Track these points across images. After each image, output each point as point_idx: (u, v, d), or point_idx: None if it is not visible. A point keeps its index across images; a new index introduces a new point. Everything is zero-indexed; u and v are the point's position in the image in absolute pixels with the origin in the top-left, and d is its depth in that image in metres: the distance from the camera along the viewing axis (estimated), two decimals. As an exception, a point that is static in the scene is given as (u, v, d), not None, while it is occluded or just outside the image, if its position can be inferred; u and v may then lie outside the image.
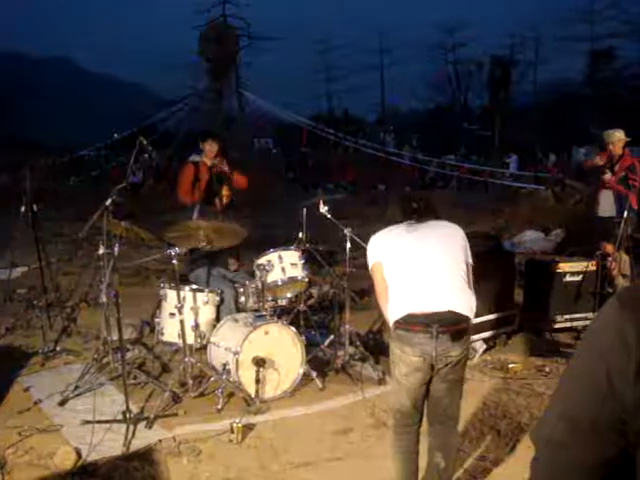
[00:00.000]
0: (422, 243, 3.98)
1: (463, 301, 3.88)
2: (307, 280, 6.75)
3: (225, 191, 7.53)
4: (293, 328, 6.15)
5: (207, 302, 6.26)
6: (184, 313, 5.94)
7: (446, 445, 4.13)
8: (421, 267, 3.90)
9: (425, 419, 4.15)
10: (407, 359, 3.86)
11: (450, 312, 3.81)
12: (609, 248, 8.52)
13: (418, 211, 4.15)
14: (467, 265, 4.09)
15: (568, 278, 7.78)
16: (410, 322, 3.82)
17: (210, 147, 7.72)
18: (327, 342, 6.85)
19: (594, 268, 7.89)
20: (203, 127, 35.84)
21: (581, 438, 1.23)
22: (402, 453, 4.12)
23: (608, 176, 8.99)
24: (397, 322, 3.89)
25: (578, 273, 7.81)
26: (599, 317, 1.29)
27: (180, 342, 6.00)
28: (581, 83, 50.69)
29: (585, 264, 7.87)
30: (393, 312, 3.92)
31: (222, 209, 7.42)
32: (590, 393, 1.22)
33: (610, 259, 8.34)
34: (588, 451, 1.23)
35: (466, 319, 3.88)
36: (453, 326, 3.80)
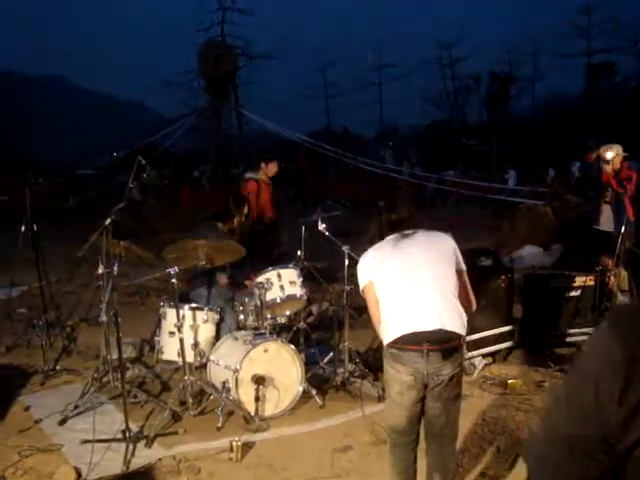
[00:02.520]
0: (410, 261, 3.95)
1: (453, 318, 3.86)
2: (306, 298, 6.77)
3: (245, 210, 7.67)
4: (292, 346, 6.16)
5: (206, 320, 6.28)
6: (183, 332, 5.96)
7: (444, 466, 4.12)
8: (410, 287, 3.88)
9: (422, 438, 4.15)
10: (400, 377, 3.87)
11: (440, 330, 3.79)
12: (609, 263, 8.55)
13: (401, 223, 4.16)
14: (460, 272, 4.08)
15: (567, 293, 7.78)
16: (401, 342, 3.81)
17: (274, 167, 8.96)
18: (327, 359, 6.87)
19: (592, 283, 7.90)
20: (202, 146, 36.01)
21: (568, 456, 1.25)
22: (399, 473, 4.11)
23: (609, 167, 9.04)
24: (389, 343, 3.89)
25: (577, 288, 7.81)
26: (590, 339, 1.32)
27: (180, 360, 6.02)
28: (579, 98, 50.85)
29: (584, 279, 7.87)
30: (385, 334, 3.93)
31: (238, 227, 7.54)
32: (578, 411, 1.24)
33: (610, 274, 8.37)
34: (575, 469, 1.24)
35: (457, 336, 3.86)
36: (443, 344, 3.79)
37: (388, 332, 3.90)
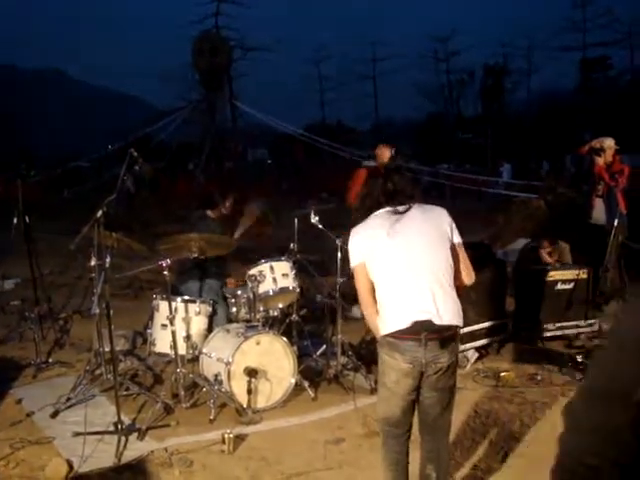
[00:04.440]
0: (407, 247, 3.85)
1: (451, 309, 3.83)
2: (298, 290, 6.75)
3: (229, 203, 7.54)
4: (284, 338, 6.16)
5: (199, 313, 6.26)
6: (176, 324, 5.94)
7: (437, 457, 4.10)
8: (408, 276, 3.83)
9: (416, 429, 4.14)
10: (397, 365, 3.84)
11: (439, 321, 3.77)
12: (544, 242, 8.76)
13: (396, 193, 4.07)
14: (457, 245, 4.02)
15: (559, 286, 7.79)
16: (399, 331, 3.77)
17: (382, 152, 8.19)
18: (319, 352, 6.88)
19: (585, 276, 7.92)
20: (197, 139, 35.96)
21: (600, 406, 1.34)
22: (393, 465, 4.09)
23: (601, 160, 9.07)
24: (386, 334, 3.85)
25: (569, 281, 7.83)
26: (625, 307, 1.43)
27: (172, 353, 6.01)
28: (574, 92, 50.92)
29: (576, 272, 7.88)
30: (383, 324, 3.87)
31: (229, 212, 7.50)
32: (603, 366, 1.33)
33: (544, 252, 8.61)
34: (605, 417, 1.32)
35: (454, 326, 3.85)
36: (441, 333, 3.77)
37: (386, 323, 3.85)
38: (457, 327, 3.88)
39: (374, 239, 3.96)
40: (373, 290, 3.99)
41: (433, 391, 3.93)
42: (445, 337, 3.80)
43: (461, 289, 4.03)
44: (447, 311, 3.80)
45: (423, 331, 3.73)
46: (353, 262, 4.04)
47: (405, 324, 3.76)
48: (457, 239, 4.05)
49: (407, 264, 3.87)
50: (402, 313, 3.80)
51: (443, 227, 4.02)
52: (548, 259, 8.52)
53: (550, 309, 7.71)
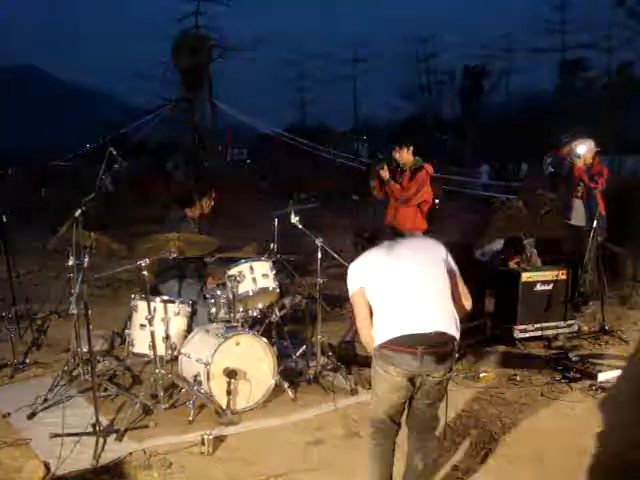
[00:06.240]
0: (403, 264, 3.95)
1: (449, 321, 3.86)
2: (278, 291, 6.73)
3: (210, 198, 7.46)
4: (264, 339, 6.13)
5: (178, 313, 6.22)
6: (155, 324, 5.90)
7: (425, 448, 4.15)
8: (405, 289, 3.87)
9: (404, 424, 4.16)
10: (390, 379, 3.86)
11: (436, 333, 3.78)
12: (513, 256, 9.00)
13: (392, 228, 4.20)
14: (452, 274, 4.09)
15: (539, 287, 7.82)
16: (395, 343, 3.78)
17: (400, 156, 8.15)
18: (299, 352, 6.85)
19: (564, 277, 7.95)
20: (176, 138, 35.85)
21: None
22: (378, 458, 4.11)
23: (580, 162, 9.12)
24: (382, 344, 3.85)
25: (548, 282, 7.86)
26: None
27: (151, 353, 5.96)
28: (552, 93, 51.22)
29: (555, 273, 7.91)
30: (378, 335, 3.88)
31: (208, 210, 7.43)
32: None
33: (513, 263, 8.82)
34: None
35: (452, 339, 3.85)
36: (438, 347, 3.79)
37: (382, 332, 3.86)
38: (454, 340, 3.89)
39: (372, 262, 4.07)
40: (370, 315, 4.00)
41: (425, 400, 4.00)
42: (441, 352, 3.82)
43: (462, 315, 4.06)
44: (446, 324, 3.83)
45: (419, 345, 3.74)
46: (352, 288, 4.08)
47: (403, 334, 3.77)
48: (454, 267, 4.14)
49: (404, 278, 3.93)
50: (400, 324, 3.81)
51: (439, 252, 4.13)
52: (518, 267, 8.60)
53: (529, 310, 7.73)
